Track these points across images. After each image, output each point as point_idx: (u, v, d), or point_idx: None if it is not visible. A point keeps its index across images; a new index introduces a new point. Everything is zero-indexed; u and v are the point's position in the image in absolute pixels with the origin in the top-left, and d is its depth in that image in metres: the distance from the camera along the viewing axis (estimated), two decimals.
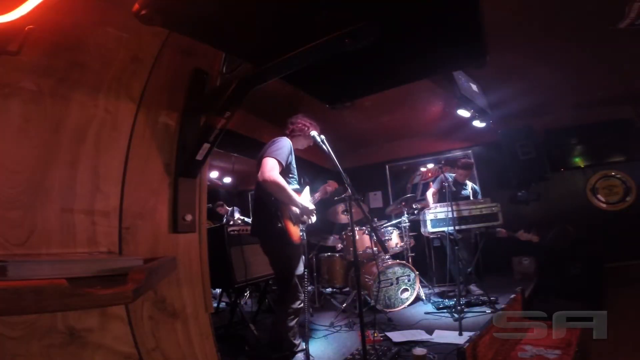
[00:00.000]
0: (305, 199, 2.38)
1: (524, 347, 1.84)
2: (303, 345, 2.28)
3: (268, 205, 2.21)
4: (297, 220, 2.27)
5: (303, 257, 2.31)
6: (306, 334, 2.27)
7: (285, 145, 2.26)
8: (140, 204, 1.20)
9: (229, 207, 5.84)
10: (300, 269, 2.26)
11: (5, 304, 0.59)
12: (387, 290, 3.60)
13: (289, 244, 2.19)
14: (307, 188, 2.51)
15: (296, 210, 2.25)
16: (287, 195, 2.14)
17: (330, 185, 2.76)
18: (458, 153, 5.57)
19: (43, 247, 0.93)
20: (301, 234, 2.27)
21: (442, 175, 4.23)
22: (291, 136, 2.46)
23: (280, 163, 2.16)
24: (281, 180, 2.11)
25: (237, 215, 5.39)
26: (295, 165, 2.37)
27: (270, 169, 2.11)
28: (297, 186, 2.36)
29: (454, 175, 4.12)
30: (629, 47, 3.02)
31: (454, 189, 3.87)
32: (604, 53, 3.23)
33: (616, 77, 3.79)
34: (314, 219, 2.38)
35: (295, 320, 2.24)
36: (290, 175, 2.32)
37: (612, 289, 3.15)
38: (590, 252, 3.34)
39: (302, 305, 2.24)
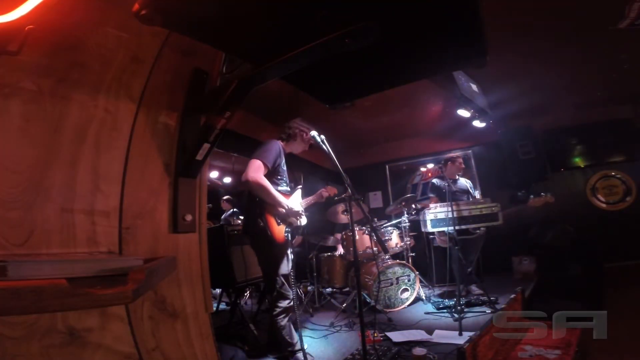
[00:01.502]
0: (294, 201, 2.40)
1: (524, 347, 1.84)
2: (301, 345, 2.28)
3: (253, 205, 2.25)
4: (283, 221, 2.30)
5: (291, 256, 2.33)
6: (299, 333, 2.27)
7: (273, 147, 2.31)
8: (140, 204, 1.20)
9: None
10: (286, 268, 2.27)
11: (5, 304, 0.59)
12: (387, 290, 3.60)
13: (272, 243, 2.22)
14: (299, 191, 2.53)
15: (282, 210, 2.27)
16: (271, 196, 2.19)
17: (328, 191, 2.78)
18: (458, 153, 5.57)
19: (43, 247, 0.93)
20: (286, 234, 2.30)
21: (435, 180, 4.22)
22: (286, 140, 2.48)
23: (265, 165, 2.21)
24: (263, 181, 2.15)
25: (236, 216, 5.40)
26: (285, 168, 2.42)
27: (255, 170, 2.16)
28: (286, 188, 2.39)
29: (444, 175, 3.95)
30: (629, 47, 3.02)
31: (454, 188, 3.86)
32: (604, 53, 3.23)
33: (616, 77, 3.78)
34: (303, 220, 2.41)
35: (287, 318, 2.25)
36: (279, 177, 2.35)
37: (612, 289, 3.14)
38: (590, 252, 3.34)
39: (291, 303, 2.26)
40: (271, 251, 2.25)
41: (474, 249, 3.82)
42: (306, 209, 2.54)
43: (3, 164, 0.89)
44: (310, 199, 2.72)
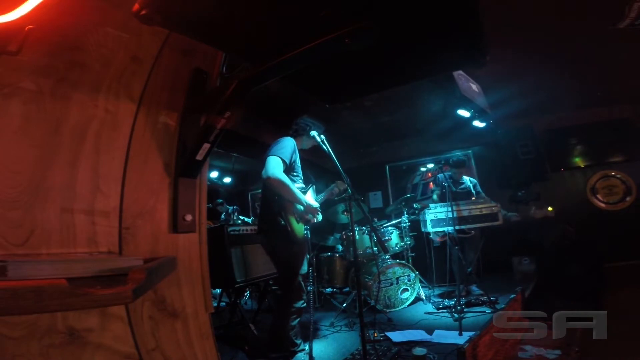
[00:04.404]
0: (309, 198, 2.37)
1: (524, 347, 1.84)
2: (303, 346, 2.27)
3: (272, 203, 2.21)
4: (302, 219, 2.27)
5: (307, 255, 2.30)
6: (310, 334, 2.26)
7: (289, 144, 2.29)
8: (140, 204, 1.20)
9: (230, 206, 5.83)
10: (304, 267, 2.25)
11: (5, 304, 0.59)
12: (387, 290, 3.60)
13: (293, 242, 2.18)
14: (313, 188, 2.51)
15: (300, 208, 2.25)
16: (291, 193, 2.15)
17: (338, 186, 2.73)
18: (458, 153, 5.57)
19: (43, 247, 0.93)
20: (305, 232, 2.26)
21: (441, 175, 4.23)
22: (295, 136, 2.46)
23: (284, 161, 2.18)
24: (284, 178, 2.12)
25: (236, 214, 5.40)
26: (300, 165, 2.38)
27: (274, 167, 2.13)
28: (302, 185, 2.36)
29: (450, 173, 4.05)
30: (628, 47, 3.02)
31: (454, 188, 3.87)
32: (603, 53, 3.23)
33: (616, 77, 3.78)
34: (319, 217, 2.38)
35: (298, 319, 2.24)
36: (295, 174, 2.32)
37: (612, 289, 3.14)
38: (590, 252, 3.34)
39: (304, 304, 2.24)
40: (293, 250, 2.20)
41: (472, 249, 3.83)
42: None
43: (3, 164, 0.89)
44: (322, 196, 2.68)
